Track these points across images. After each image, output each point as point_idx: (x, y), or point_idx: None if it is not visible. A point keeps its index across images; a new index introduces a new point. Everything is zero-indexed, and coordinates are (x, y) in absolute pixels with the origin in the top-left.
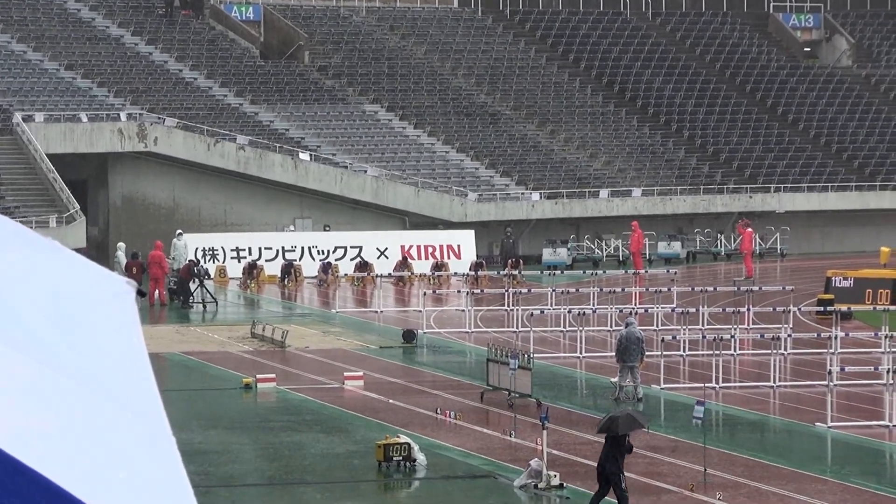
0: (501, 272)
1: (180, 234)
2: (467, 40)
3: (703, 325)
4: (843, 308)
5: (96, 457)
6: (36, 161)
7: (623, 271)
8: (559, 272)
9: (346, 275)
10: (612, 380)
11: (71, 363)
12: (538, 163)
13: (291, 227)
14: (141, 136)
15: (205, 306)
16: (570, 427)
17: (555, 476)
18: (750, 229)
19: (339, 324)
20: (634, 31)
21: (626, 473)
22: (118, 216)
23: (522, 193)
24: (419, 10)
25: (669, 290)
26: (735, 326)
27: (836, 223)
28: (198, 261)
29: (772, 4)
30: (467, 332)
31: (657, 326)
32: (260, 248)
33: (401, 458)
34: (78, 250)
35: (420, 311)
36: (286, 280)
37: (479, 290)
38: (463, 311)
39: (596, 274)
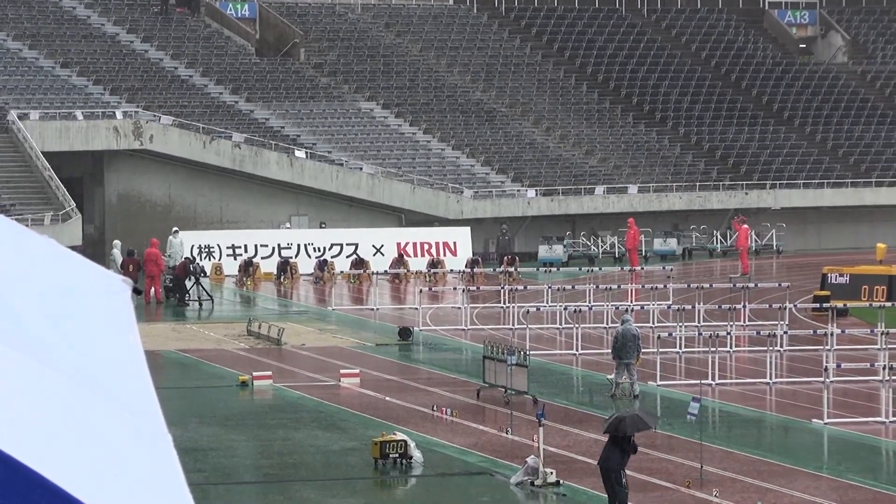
0: (497, 269)
1: (176, 231)
2: (463, 38)
3: (699, 322)
4: (840, 305)
5: (93, 455)
6: (31, 159)
7: (619, 268)
8: (555, 269)
9: (342, 272)
10: (609, 377)
11: (67, 361)
12: (534, 160)
13: (287, 225)
14: (136, 134)
15: (201, 304)
16: (567, 424)
17: (551, 473)
18: (746, 226)
19: (336, 321)
20: (630, 28)
21: (625, 470)
22: (114, 214)
23: (518, 190)
24: (415, 7)
25: (665, 286)
26: (731, 323)
27: (832, 220)
28: (194, 258)
29: (767, 1)
30: (463, 330)
31: (653, 323)
32: (256, 246)
33: (397, 455)
34: (74, 248)
35: (416, 309)
36: (282, 277)
37: (475, 288)
38: (459, 308)
39: (592, 271)
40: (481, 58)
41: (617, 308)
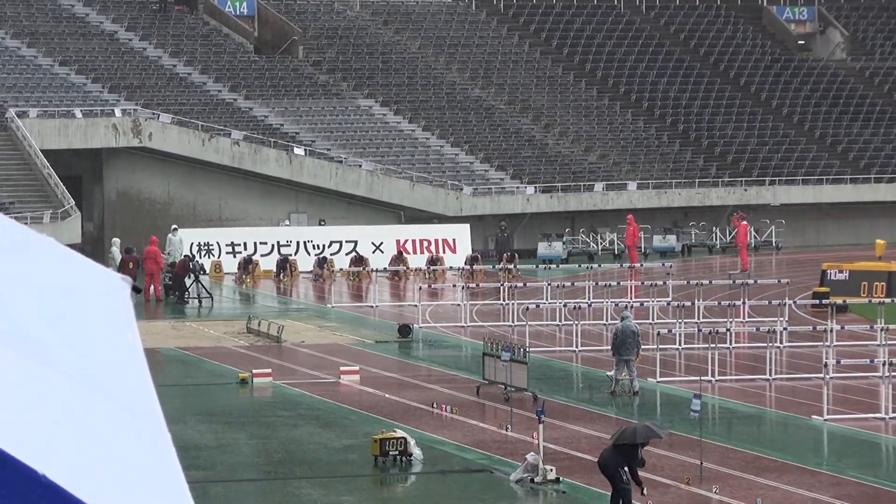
0: (496, 266)
1: (175, 229)
2: (461, 35)
3: (698, 319)
4: (839, 301)
5: (92, 454)
6: (30, 157)
7: (618, 265)
8: (554, 266)
9: (341, 269)
10: (608, 373)
11: (66, 360)
12: (533, 157)
13: (286, 222)
14: (135, 132)
15: (200, 301)
16: (567, 421)
17: (551, 470)
18: (745, 222)
19: (335, 318)
20: (628, 24)
21: (625, 469)
22: (113, 212)
23: (517, 187)
24: (413, 4)
25: (665, 283)
26: (731, 320)
27: (832, 216)
28: (193, 256)
29: None
30: (463, 327)
31: (653, 320)
32: (255, 243)
33: (397, 452)
34: (73, 246)
35: (416, 306)
36: (281, 275)
37: (474, 285)
38: (458, 305)
39: (591, 268)
40: (480, 55)
41: (616, 305)
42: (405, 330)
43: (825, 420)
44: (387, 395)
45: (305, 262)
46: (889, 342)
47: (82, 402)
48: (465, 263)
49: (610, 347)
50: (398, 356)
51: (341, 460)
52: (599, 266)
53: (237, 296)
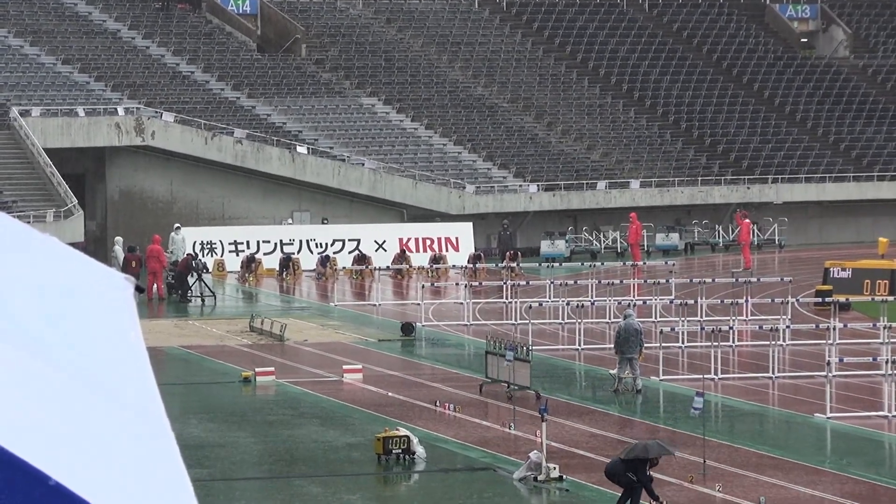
0: (499, 265)
1: (178, 227)
2: (464, 33)
3: (701, 317)
4: (842, 299)
5: (95, 453)
6: (33, 155)
7: (621, 263)
8: (557, 264)
9: (344, 268)
10: (611, 371)
11: (68, 359)
12: (536, 155)
13: (289, 221)
14: (138, 130)
15: (203, 300)
16: (570, 419)
17: (554, 468)
18: (748, 220)
19: (338, 317)
20: (631, 22)
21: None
22: (116, 210)
23: (520, 185)
24: (416, 2)
25: (668, 281)
26: (734, 318)
27: (834, 214)
28: (196, 254)
29: None
30: (466, 325)
31: (656, 318)
32: (258, 242)
33: (400, 450)
34: (76, 245)
35: (418, 304)
36: (284, 273)
37: (477, 283)
38: (461, 303)
39: (594, 266)
40: (483, 53)
41: (619, 303)
42: (408, 328)
43: (828, 418)
44: (390, 394)
45: (308, 261)
46: (892, 340)
47: (85, 401)
48: (468, 262)
49: (613, 346)
50: (401, 354)
51: (344, 458)
52: (602, 264)
53: (240, 294)
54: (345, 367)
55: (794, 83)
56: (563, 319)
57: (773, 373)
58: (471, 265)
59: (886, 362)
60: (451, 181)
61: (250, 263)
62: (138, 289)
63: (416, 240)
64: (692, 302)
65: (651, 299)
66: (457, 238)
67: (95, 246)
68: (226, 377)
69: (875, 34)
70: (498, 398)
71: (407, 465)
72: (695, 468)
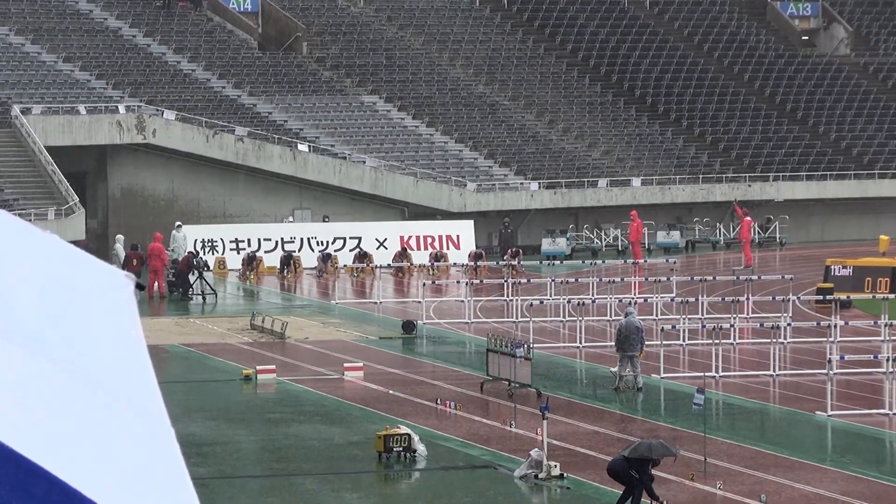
0: (500, 262)
1: (179, 225)
2: (465, 31)
3: (702, 315)
4: (843, 297)
5: (96, 450)
6: (35, 153)
7: (622, 261)
8: (558, 262)
9: (345, 266)
10: (612, 369)
11: (69, 357)
12: (537, 153)
13: (290, 219)
14: (139, 128)
15: (204, 298)
16: (571, 417)
17: (555, 466)
18: (749, 218)
19: (339, 315)
20: (632, 20)
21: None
22: (117, 208)
23: (521, 183)
24: (417, 0)
25: (669, 279)
26: (734, 315)
27: (835, 212)
28: (197, 252)
29: None
30: (467, 323)
31: (657, 316)
32: (259, 240)
33: (401, 448)
34: (77, 243)
35: (419, 302)
36: (285, 271)
37: (478, 281)
38: (462, 301)
39: (595, 264)
40: (484, 51)
41: (620, 301)
42: (409, 326)
43: (829, 416)
44: (391, 392)
45: (309, 259)
46: (893, 338)
47: (86, 398)
48: (469, 259)
49: (614, 343)
50: (402, 352)
51: (345, 456)
52: (603, 262)
53: (241, 292)
54: (346, 364)
55: (796, 81)
56: (564, 317)
57: (774, 370)
58: (472, 263)
59: (887, 360)
60: (452, 179)
61: (251, 261)
62: (139, 286)
63: (418, 237)
64: (693, 300)
65: (652, 297)
66: (458, 236)
67: (97, 244)
68: (227, 375)
69: (876, 32)
70: (499, 396)
71: (408, 463)
72: (696, 466)
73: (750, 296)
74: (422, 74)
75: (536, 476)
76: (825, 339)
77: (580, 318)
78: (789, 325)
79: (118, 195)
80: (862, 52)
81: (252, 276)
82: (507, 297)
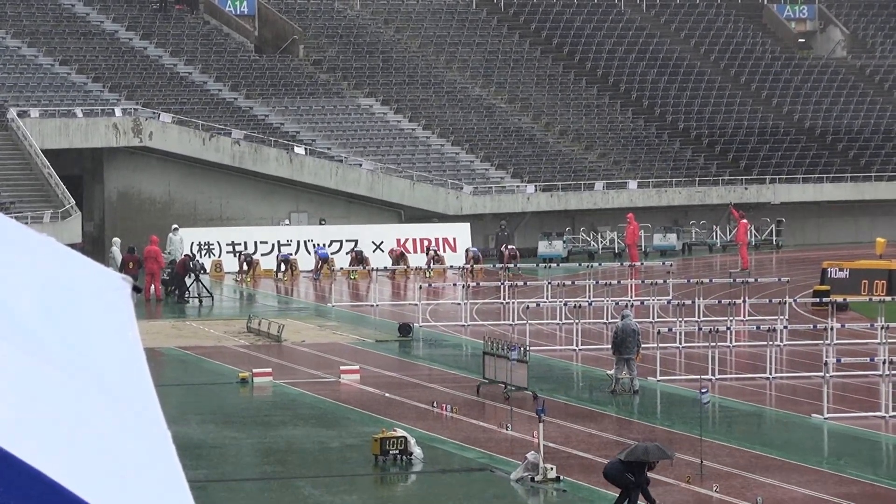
0: (497, 265)
1: (176, 228)
2: (462, 34)
3: (699, 317)
4: (839, 299)
5: (92, 452)
6: (31, 156)
7: (619, 263)
8: (555, 265)
9: (341, 268)
10: (609, 372)
11: (66, 359)
12: (533, 155)
13: (287, 221)
14: (136, 131)
15: (200, 301)
16: (567, 420)
17: (551, 469)
18: (745, 221)
19: (335, 318)
20: (629, 23)
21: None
22: (114, 211)
23: (518, 186)
24: (413, 3)
25: (665, 282)
26: (731, 318)
27: (832, 214)
28: (193, 255)
29: None
30: (463, 326)
31: (653, 318)
32: (256, 243)
33: (397, 451)
34: (73, 246)
35: (416, 305)
36: (282, 274)
37: (475, 283)
38: (459, 304)
39: (591, 266)
40: (480, 53)
41: (617, 303)
42: (405, 329)
43: (825, 418)
44: (387, 395)
45: (306, 262)
46: (889, 340)
47: (83, 400)
48: (466, 262)
49: (610, 346)
50: (398, 355)
51: (341, 459)
52: (600, 265)
53: (237, 295)
54: (342, 367)
55: (792, 83)
56: (560, 320)
57: (771, 373)
58: (468, 266)
59: (884, 363)
60: (448, 182)
61: (248, 264)
62: (135, 289)
63: (414, 240)
64: (689, 302)
65: (648, 300)
66: (454, 238)
67: (93, 247)
68: (223, 378)
69: (872, 34)
70: (495, 399)
71: (404, 466)
72: (692, 468)
73: (746, 298)
74: (418, 77)
75: (533, 479)
76: (822, 342)
77: (576, 321)
78: (786, 327)
79: (115, 198)
80: (858, 55)
81: (248, 279)
82: (504, 299)
